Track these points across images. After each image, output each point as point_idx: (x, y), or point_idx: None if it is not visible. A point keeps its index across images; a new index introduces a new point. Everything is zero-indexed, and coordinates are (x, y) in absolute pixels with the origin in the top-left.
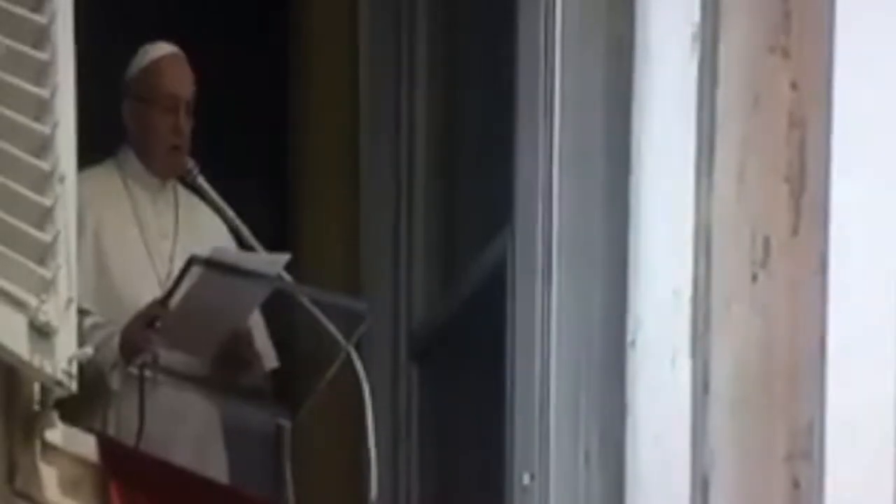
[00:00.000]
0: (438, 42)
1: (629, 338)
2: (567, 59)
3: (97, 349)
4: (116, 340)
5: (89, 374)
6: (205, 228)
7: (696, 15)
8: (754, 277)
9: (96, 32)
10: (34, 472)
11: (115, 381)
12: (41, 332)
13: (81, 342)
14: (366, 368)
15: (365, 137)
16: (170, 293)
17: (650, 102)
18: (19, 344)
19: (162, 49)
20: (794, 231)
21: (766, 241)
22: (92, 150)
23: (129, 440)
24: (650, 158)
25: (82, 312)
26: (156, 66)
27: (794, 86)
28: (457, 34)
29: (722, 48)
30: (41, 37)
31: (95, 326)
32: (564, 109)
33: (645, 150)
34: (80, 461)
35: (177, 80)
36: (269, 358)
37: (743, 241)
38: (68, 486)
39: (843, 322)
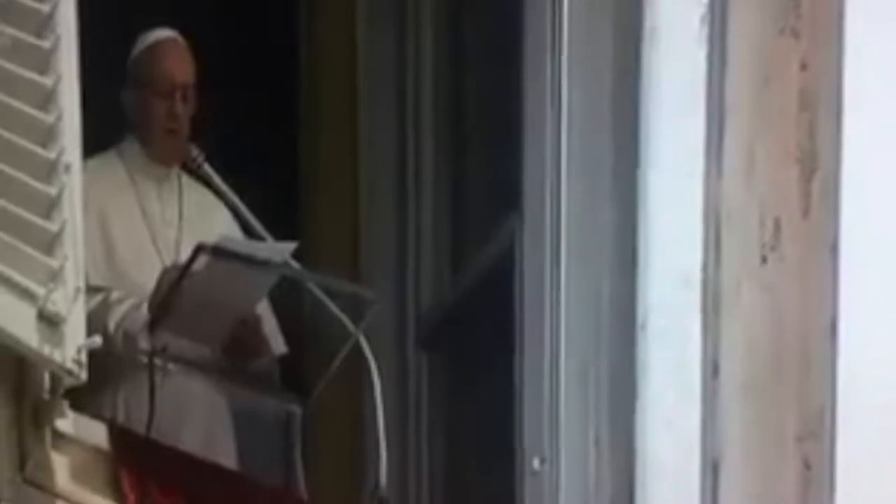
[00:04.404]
0: (445, 26)
1: (639, 321)
2: (574, 42)
3: (126, 316)
4: (144, 306)
5: (117, 344)
6: (210, 216)
7: None
8: (764, 260)
9: (102, 21)
10: (45, 461)
11: (144, 341)
12: (50, 322)
13: (106, 314)
14: (374, 355)
15: (370, 123)
16: (177, 281)
17: (659, 85)
18: (28, 333)
19: (159, 34)
20: (805, 213)
21: (777, 223)
22: (97, 141)
23: (139, 428)
24: (659, 140)
25: (103, 290)
26: (152, 50)
27: (803, 67)
28: (463, 19)
29: (731, 30)
30: (44, 26)
31: (120, 300)
32: (572, 93)
33: (654, 132)
34: (91, 449)
35: (173, 64)
36: (278, 344)
37: (753, 223)
38: (79, 475)
39: (853, 304)
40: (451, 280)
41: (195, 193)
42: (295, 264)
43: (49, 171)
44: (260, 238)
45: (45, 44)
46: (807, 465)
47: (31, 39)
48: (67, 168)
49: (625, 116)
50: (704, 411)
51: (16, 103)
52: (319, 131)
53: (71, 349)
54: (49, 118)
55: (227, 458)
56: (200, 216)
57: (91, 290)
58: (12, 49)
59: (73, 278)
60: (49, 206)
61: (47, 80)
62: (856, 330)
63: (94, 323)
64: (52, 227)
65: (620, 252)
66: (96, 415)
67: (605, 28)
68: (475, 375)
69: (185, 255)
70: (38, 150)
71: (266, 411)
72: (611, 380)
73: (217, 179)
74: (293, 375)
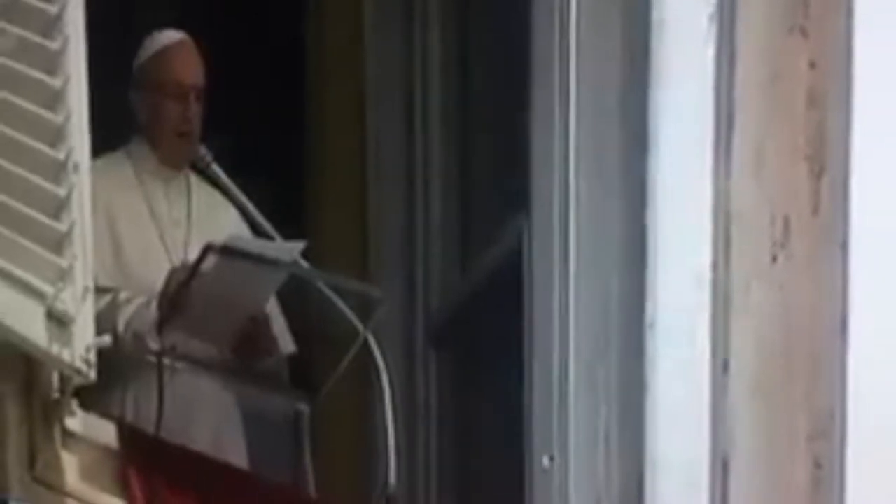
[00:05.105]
0: (452, 24)
1: (648, 319)
2: (582, 41)
3: (135, 316)
4: (154, 305)
5: (126, 343)
6: (218, 216)
7: None
8: (774, 258)
9: (110, 21)
10: (54, 460)
11: (153, 342)
12: (59, 321)
13: (115, 314)
14: (383, 353)
15: (377, 122)
16: (187, 281)
17: (668, 83)
18: (37, 333)
19: (170, 37)
20: (815, 211)
21: (786, 222)
22: (104, 141)
23: (148, 427)
24: (668, 139)
25: (111, 290)
26: (163, 54)
27: (812, 65)
28: (470, 17)
29: (740, 28)
30: (52, 26)
31: (129, 300)
32: (580, 92)
33: (662, 131)
34: (100, 448)
35: (185, 68)
36: (286, 343)
37: (762, 222)
38: (88, 473)
39: (864, 301)
40: (460, 279)
41: (203, 193)
42: (303, 263)
43: (58, 171)
44: (268, 237)
45: (54, 45)
46: (817, 465)
47: (40, 40)
48: (76, 168)
49: (633, 113)
50: (714, 410)
51: (25, 104)
52: (327, 130)
53: (80, 348)
54: (58, 118)
55: (235, 456)
56: (209, 216)
57: (100, 290)
58: (21, 50)
59: (82, 277)
60: (58, 206)
61: (56, 81)
62: (866, 328)
63: (104, 323)
64: (61, 226)
65: (629, 250)
66: (105, 414)
67: (614, 25)
68: (484, 374)
69: (193, 255)
70: (47, 150)
71: (275, 410)
72: (620, 378)
73: (225, 179)
74: (302, 374)
